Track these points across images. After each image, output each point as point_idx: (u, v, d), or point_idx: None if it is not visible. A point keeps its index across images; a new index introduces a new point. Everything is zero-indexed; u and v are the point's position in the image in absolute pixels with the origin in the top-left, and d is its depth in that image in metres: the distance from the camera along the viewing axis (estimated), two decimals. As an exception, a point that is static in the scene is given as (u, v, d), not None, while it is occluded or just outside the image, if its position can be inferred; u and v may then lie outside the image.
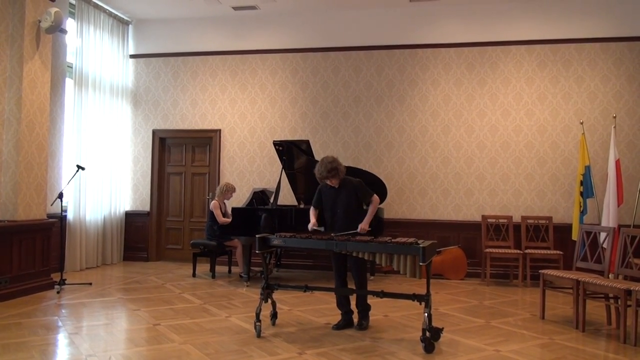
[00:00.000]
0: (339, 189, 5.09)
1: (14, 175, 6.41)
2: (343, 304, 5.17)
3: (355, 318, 5.18)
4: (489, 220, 7.92)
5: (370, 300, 5.16)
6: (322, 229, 5.09)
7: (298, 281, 7.47)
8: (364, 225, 4.94)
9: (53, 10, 6.55)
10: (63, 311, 5.62)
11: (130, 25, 9.38)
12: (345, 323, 5.10)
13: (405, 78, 8.50)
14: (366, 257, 4.63)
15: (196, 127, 9.15)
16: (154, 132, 9.29)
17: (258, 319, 4.76)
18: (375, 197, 5.11)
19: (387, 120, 8.53)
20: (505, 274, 7.91)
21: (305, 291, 5.06)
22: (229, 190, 7.83)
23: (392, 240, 4.59)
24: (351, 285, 5.19)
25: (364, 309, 5.11)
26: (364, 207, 5.16)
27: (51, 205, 7.05)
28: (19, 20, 6.47)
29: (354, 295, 5.17)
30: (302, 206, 7.72)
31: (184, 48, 9.21)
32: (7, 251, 6.13)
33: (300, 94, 8.82)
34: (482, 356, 4.33)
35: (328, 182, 5.06)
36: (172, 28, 9.25)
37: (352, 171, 6.71)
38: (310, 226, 5.12)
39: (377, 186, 7.50)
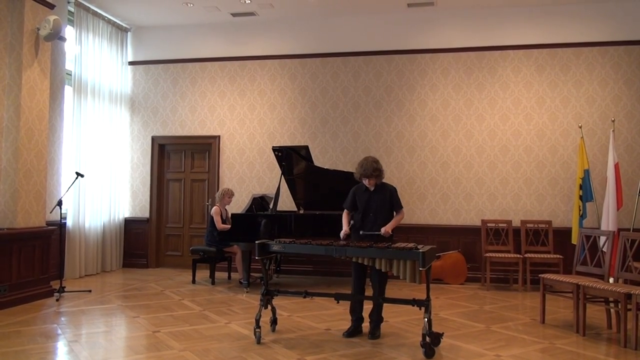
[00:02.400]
0: (374, 192, 5.08)
1: (13, 182, 6.41)
2: (356, 310, 5.11)
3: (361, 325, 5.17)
4: (488, 224, 7.92)
5: (370, 306, 5.14)
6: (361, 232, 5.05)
7: (298, 287, 7.47)
8: (387, 228, 4.94)
9: (52, 17, 6.56)
10: (62, 319, 5.60)
11: (129, 33, 9.40)
12: (355, 329, 5.05)
13: (404, 83, 8.52)
14: (366, 263, 4.62)
15: (195, 134, 9.16)
16: (153, 139, 9.30)
17: (258, 325, 4.75)
18: (403, 211, 5.18)
19: (386, 125, 8.54)
20: (505, 279, 7.90)
21: (305, 297, 5.03)
22: (226, 194, 7.83)
23: (392, 245, 4.58)
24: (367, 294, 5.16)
25: (379, 320, 5.07)
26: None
27: (50, 212, 7.04)
28: (17, 27, 6.48)
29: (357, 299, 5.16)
30: (301, 212, 7.72)
31: (182, 55, 9.24)
32: (6, 259, 6.12)
33: (300, 100, 8.84)
34: (483, 361, 4.32)
35: (366, 181, 5.03)
36: (170, 35, 9.27)
37: (352, 176, 6.69)
38: (342, 234, 5.07)
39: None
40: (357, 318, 5.09)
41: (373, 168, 4.95)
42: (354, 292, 5.12)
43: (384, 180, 5.16)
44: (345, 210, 5.23)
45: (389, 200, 5.09)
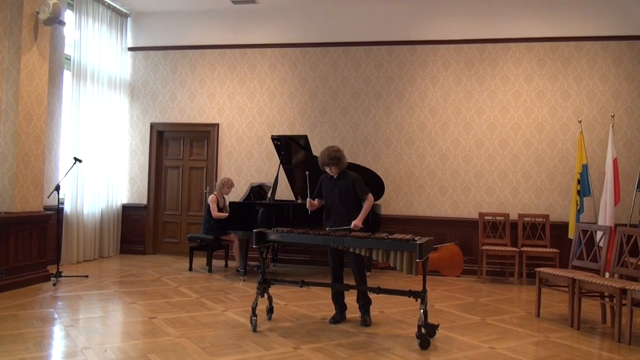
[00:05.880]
0: (338, 180, 5.15)
1: (11, 167, 6.39)
2: (338, 299, 5.22)
3: (351, 313, 5.20)
4: (486, 217, 7.93)
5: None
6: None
7: (294, 276, 7.49)
8: (357, 222, 4.98)
9: (51, 1, 6.50)
10: (59, 303, 5.62)
11: (129, 18, 9.34)
12: (340, 316, 5.15)
13: (405, 74, 8.49)
14: (363, 253, 4.64)
15: (194, 121, 9.14)
16: (152, 126, 9.27)
17: (254, 314, 4.76)
18: (370, 197, 5.14)
19: (385, 116, 8.52)
20: (501, 272, 7.93)
21: (301, 286, 5.06)
22: (226, 185, 7.83)
23: (389, 236, 4.59)
24: (348, 281, 5.20)
25: (365, 304, 5.14)
26: (362, 203, 5.16)
27: (48, 197, 7.04)
28: (17, 11, 6.43)
29: (348, 290, 5.19)
30: (299, 201, 7.72)
31: (183, 41, 9.18)
32: (4, 243, 6.12)
33: (299, 89, 8.81)
34: (477, 353, 4.34)
35: (328, 169, 5.13)
36: (171, 21, 9.21)
37: (350, 167, 6.67)
38: (308, 202, 5.15)
39: (374, 182, 7.51)
40: (339, 306, 5.20)
41: (330, 157, 5.04)
42: (332, 281, 5.21)
43: (355, 171, 5.27)
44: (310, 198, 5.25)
45: (352, 188, 5.12)
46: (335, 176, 5.16)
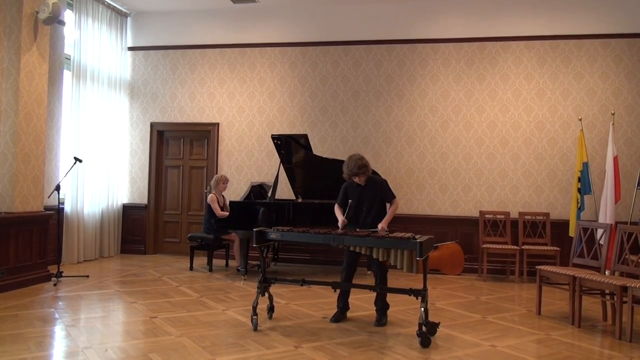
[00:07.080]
0: (365, 187, 5.14)
1: (11, 167, 6.39)
2: (343, 297, 5.21)
3: (352, 312, 5.20)
4: (486, 216, 7.93)
5: (368, 294, 5.17)
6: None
7: (295, 275, 7.49)
8: (383, 224, 4.97)
9: (51, 1, 6.49)
10: (60, 303, 5.62)
11: (128, 18, 9.34)
12: (341, 315, 5.16)
13: (405, 73, 8.49)
14: (363, 252, 4.63)
15: (194, 121, 9.13)
16: (152, 125, 9.27)
17: (255, 313, 4.76)
18: (397, 201, 5.19)
19: (385, 115, 8.52)
20: (502, 270, 7.93)
21: (302, 285, 5.06)
22: (220, 181, 7.83)
23: (390, 235, 4.59)
24: (357, 282, 5.20)
25: (384, 307, 5.14)
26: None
27: (48, 197, 7.04)
28: (16, 10, 6.43)
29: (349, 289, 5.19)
30: (300, 200, 7.72)
31: (182, 41, 9.18)
32: (4, 243, 6.12)
33: (299, 88, 8.81)
34: (478, 351, 4.34)
35: (356, 179, 5.10)
36: (171, 21, 9.21)
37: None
38: (340, 224, 5.11)
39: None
40: (343, 305, 5.20)
41: (359, 165, 5.01)
42: (343, 280, 5.19)
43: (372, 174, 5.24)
44: (337, 206, 5.28)
45: (380, 194, 5.14)
46: (363, 184, 5.13)
